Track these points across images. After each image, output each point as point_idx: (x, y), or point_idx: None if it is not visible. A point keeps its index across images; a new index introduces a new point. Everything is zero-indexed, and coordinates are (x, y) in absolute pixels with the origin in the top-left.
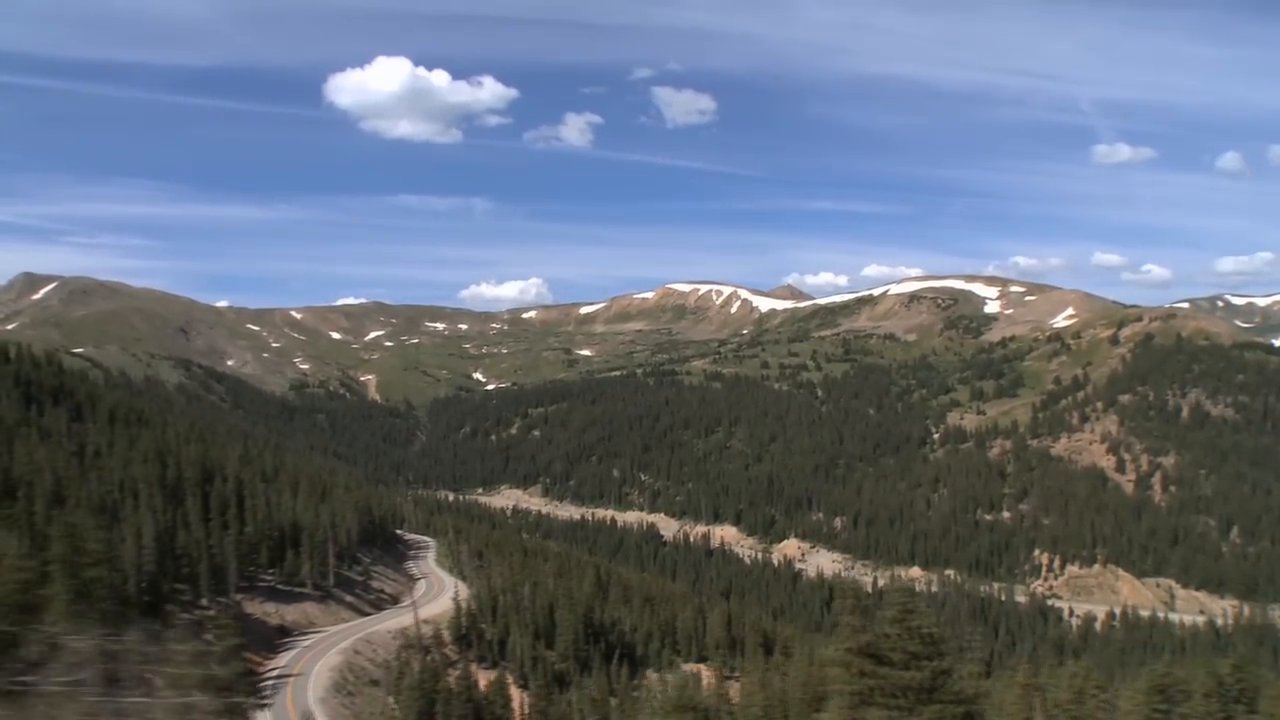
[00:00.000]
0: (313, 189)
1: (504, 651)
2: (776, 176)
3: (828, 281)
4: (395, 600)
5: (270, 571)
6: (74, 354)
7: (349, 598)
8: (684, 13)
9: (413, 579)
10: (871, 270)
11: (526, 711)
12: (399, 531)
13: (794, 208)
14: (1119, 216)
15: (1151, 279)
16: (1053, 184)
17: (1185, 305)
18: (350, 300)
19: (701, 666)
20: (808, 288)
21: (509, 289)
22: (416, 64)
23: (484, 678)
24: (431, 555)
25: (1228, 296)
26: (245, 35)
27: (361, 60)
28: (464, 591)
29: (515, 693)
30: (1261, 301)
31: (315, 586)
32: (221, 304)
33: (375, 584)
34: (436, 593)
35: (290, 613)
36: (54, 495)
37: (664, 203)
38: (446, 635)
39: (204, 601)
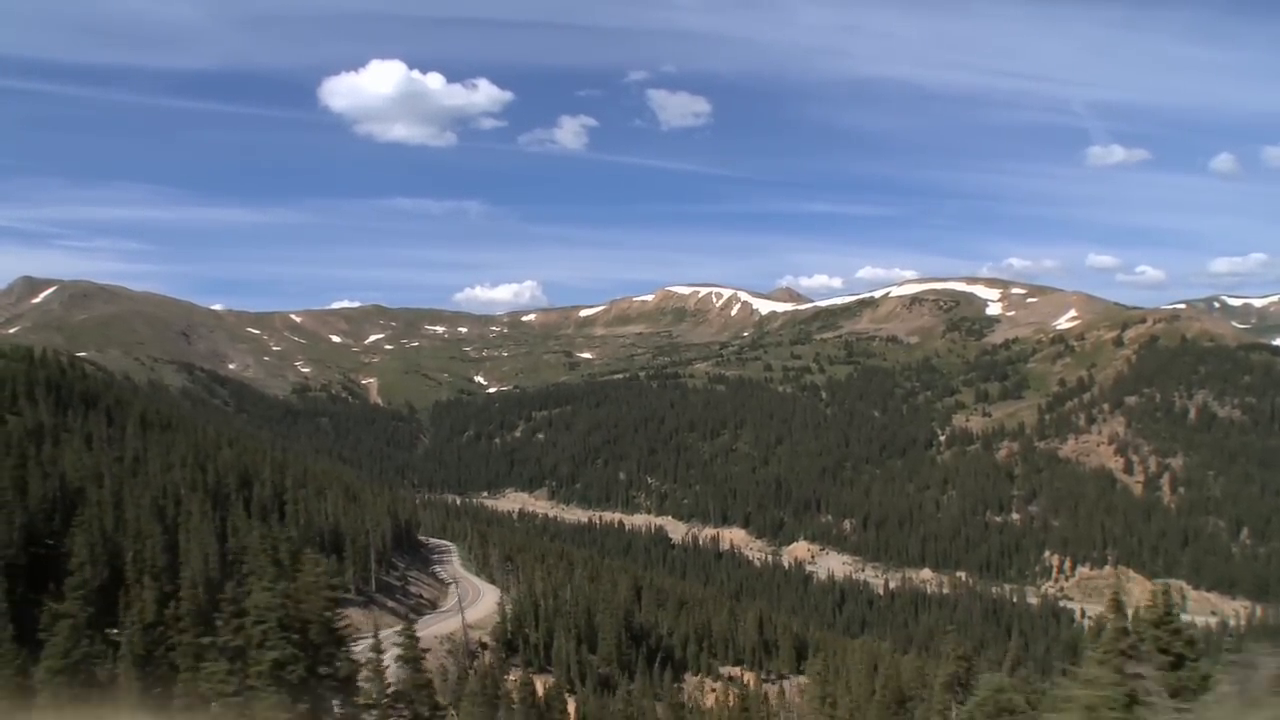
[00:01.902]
0: (307, 192)
1: (549, 656)
2: (771, 178)
3: (822, 284)
4: (434, 605)
5: None
6: (78, 358)
7: (390, 603)
8: (678, 15)
9: (444, 583)
10: (866, 272)
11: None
12: (419, 536)
13: (788, 210)
14: (1113, 218)
15: (1146, 280)
16: (1047, 186)
17: (1182, 306)
18: (346, 303)
19: (739, 669)
20: (802, 289)
21: (503, 291)
22: (411, 67)
23: (534, 683)
24: (456, 559)
25: (1224, 297)
26: (239, 39)
27: (356, 64)
28: (495, 595)
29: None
30: (1258, 302)
31: (358, 592)
32: (216, 306)
33: (413, 589)
34: (473, 598)
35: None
36: (114, 502)
37: (659, 205)
38: (493, 640)
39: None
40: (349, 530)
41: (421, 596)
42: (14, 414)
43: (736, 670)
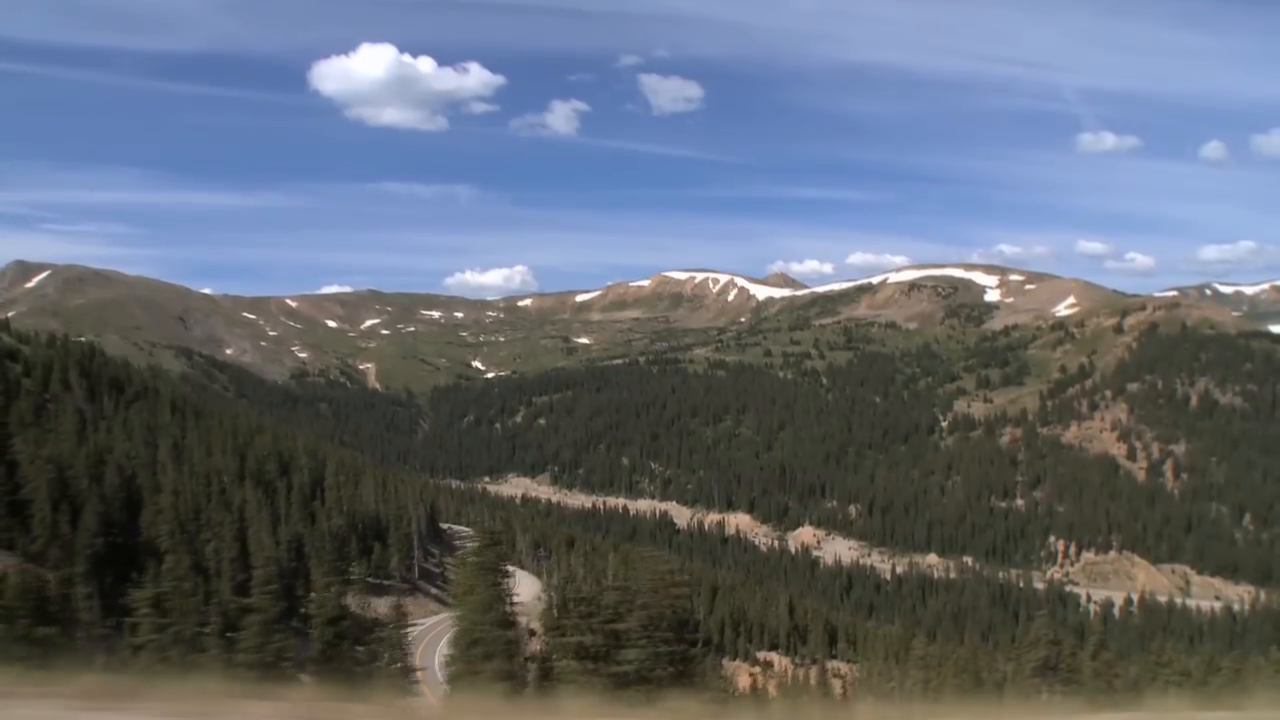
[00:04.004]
0: (296, 176)
1: None
2: (762, 164)
3: (813, 269)
4: None
5: (357, 564)
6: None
7: (433, 589)
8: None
9: None
10: (857, 258)
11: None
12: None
13: (780, 195)
14: (1103, 204)
15: (1135, 267)
16: (1037, 172)
17: (1174, 294)
18: (337, 288)
19: (773, 654)
20: (794, 274)
21: (494, 276)
22: (402, 51)
23: None
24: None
25: (1215, 285)
26: (229, 21)
27: (346, 47)
28: (532, 582)
29: None
30: (1249, 290)
31: (402, 579)
32: (206, 290)
33: (452, 575)
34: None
35: (382, 606)
36: (183, 491)
37: (650, 190)
38: (542, 626)
39: (314, 597)
40: (390, 518)
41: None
42: (49, 401)
43: (771, 655)
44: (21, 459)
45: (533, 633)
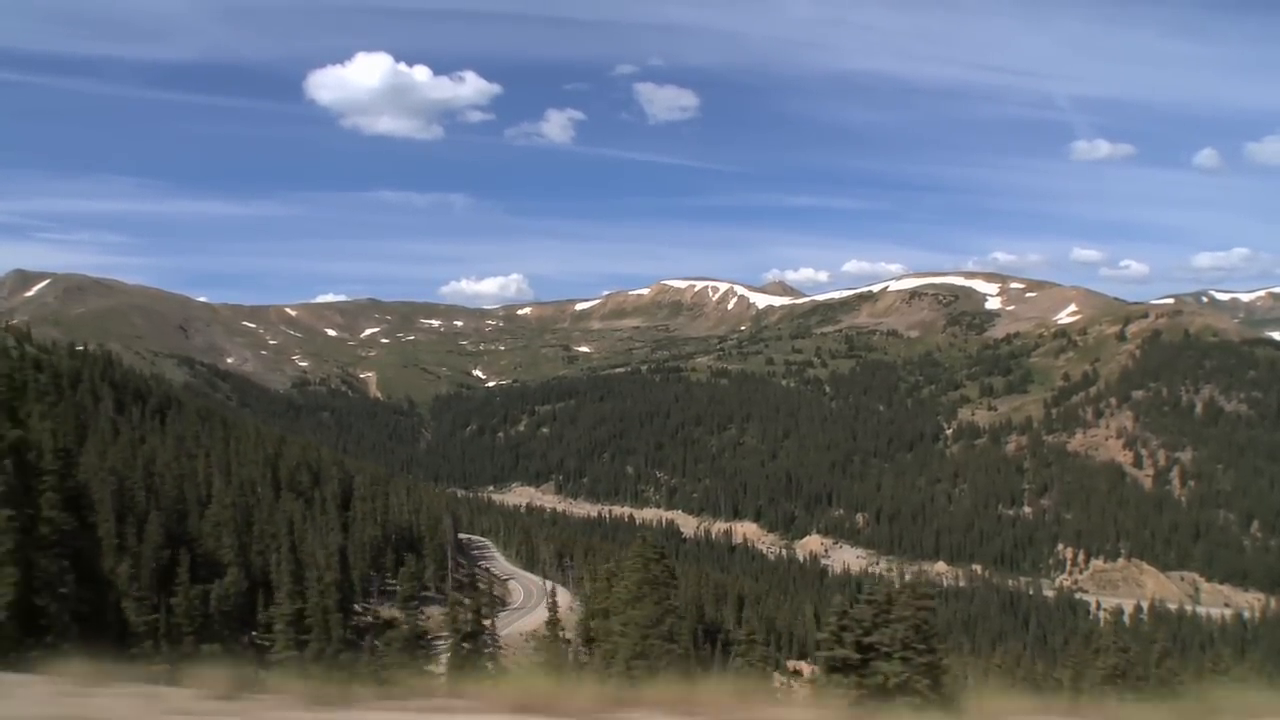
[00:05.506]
0: (292, 185)
1: None
2: (758, 172)
3: (808, 277)
4: (503, 602)
5: (392, 576)
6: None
7: (467, 601)
8: (665, 9)
9: (504, 580)
10: (852, 265)
11: None
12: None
13: (775, 203)
14: (1097, 212)
15: (1130, 275)
16: (1032, 180)
17: (1170, 301)
18: (332, 296)
19: (803, 663)
20: (790, 282)
21: (490, 285)
22: (397, 60)
23: None
24: (499, 555)
25: (1212, 292)
26: (225, 30)
27: (342, 56)
28: (564, 592)
29: None
30: (1245, 297)
31: (437, 590)
32: (202, 299)
33: (481, 586)
34: (538, 594)
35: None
36: (240, 504)
37: (645, 199)
38: (577, 638)
39: (358, 608)
40: (425, 528)
41: (492, 593)
42: (80, 412)
43: (801, 664)
44: (85, 472)
45: (568, 643)
